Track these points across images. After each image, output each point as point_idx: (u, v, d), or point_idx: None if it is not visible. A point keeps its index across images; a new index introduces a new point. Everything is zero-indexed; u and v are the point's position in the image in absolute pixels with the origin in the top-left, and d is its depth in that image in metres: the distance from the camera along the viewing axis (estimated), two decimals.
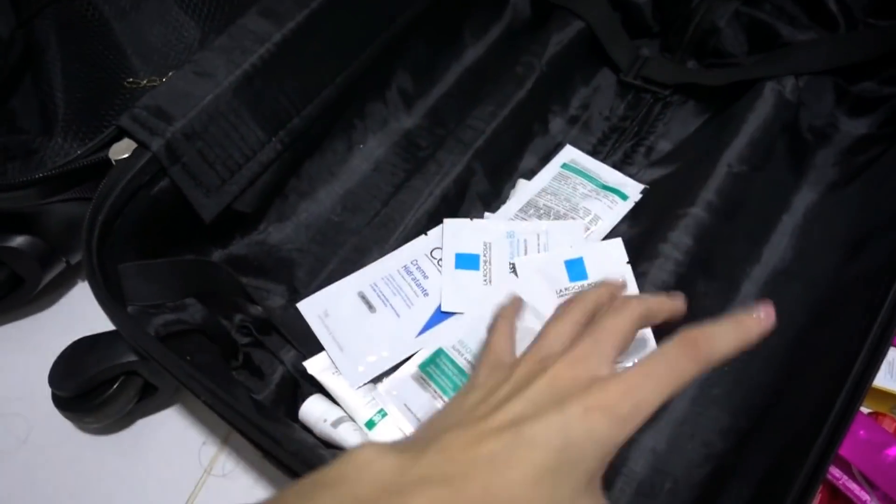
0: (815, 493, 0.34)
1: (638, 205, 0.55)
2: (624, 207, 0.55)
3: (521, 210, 0.56)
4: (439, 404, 0.45)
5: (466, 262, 0.52)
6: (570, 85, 0.63)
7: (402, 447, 0.29)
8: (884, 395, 0.47)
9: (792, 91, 0.56)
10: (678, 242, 0.51)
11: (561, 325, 0.35)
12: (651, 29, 0.65)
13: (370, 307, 0.50)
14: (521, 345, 0.46)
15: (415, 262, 0.52)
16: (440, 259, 0.52)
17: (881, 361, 0.38)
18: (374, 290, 0.50)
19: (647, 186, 0.57)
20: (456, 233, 0.53)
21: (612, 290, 0.38)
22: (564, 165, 0.59)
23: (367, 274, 0.51)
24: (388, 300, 0.50)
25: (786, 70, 0.57)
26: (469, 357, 0.46)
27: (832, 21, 0.59)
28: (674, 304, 0.36)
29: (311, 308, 0.50)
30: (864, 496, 0.43)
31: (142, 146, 0.43)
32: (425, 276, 0.51)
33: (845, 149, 0.57)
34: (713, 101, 0.61)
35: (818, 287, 0.50)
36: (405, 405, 0.46)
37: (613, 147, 0.61)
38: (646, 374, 0.30)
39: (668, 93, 0.62)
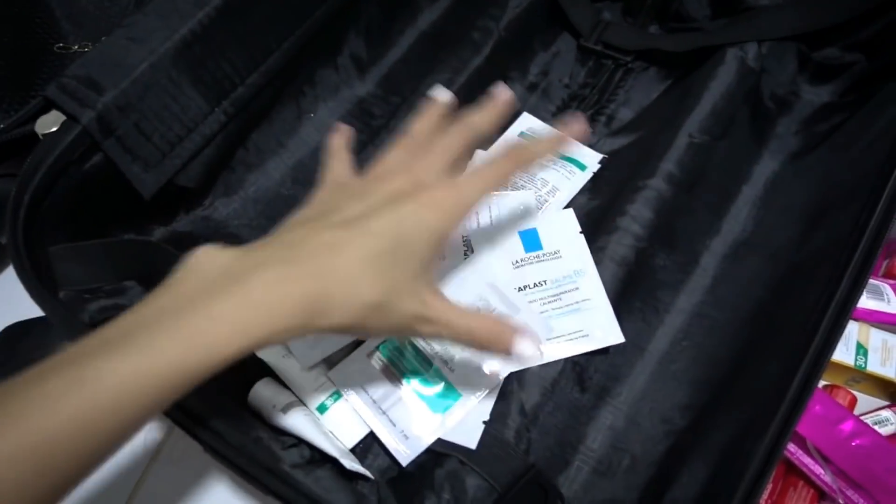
0: (772, 472, 0.34)
1: (597, 176, 0.54)
2: (582, 178, 0.54)
3: None
4: (399, 388, 0.44)
5: None
6: (529, 50, 0.61)
7: (245, 247, 0.31)
8: (839, 367, 0.47)
9: (755, 58, 0.55)
10: (637, 215, 0.49)
11: (396, 151, 0.38)
12: None
13: None
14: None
15: None
16: None
17: (839, 337, 0.37)
18: None
19: (606, 156, 0.55)
20: None
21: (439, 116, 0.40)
22: (522, 134, 0.57)
23: None
24: None
25: (749, 36, 0.55)
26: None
27: None
28: (495, 109, 0.39)
29: None
30: (819, 471, 0.43)
31: (71, 119, 0.40)
32: None
33: (807, 117, 0.56)
34: (675, 68, 0.59)
35: (778, 260, 0.49)
36: (362, 388, 0.44)
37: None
38: (470, 176, 0.35)
39: (629, 59, 0.60)
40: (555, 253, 0.48)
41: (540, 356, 0.36)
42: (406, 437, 0.43)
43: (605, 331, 0.46)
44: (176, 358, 0.27)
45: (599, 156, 0.55)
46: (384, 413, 0.43)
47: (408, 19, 0.60)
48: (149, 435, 0.48)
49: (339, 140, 0.41)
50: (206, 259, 0.30)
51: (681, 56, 0.58)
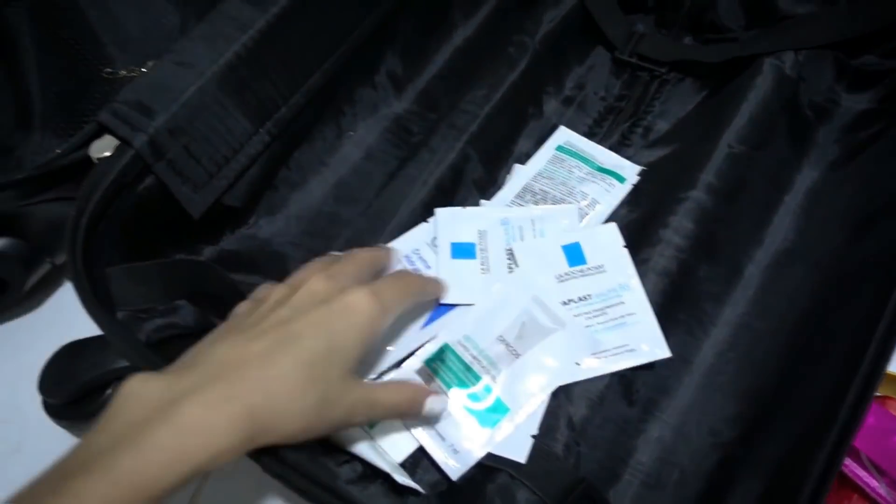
0: (829, 486, 0.34)
1: (636, 188, 0.54)
2: (622, 190, 0.54)
3: (517, 196, 0.54)
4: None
5: (462, 251, 0.51)
6: (565, 64, 0.62)
7: (170, 370, 0.32)
8: (890, 378, 0.47)
9: (792, 67, 0.55)
10: (679, 227, 0.49)
11: (307, 266, 0.41)
12: (646, 3, 0.63)
13: None
14: (526, 335, 0.46)
15: (416, 252, 0.51)
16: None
17: (895, 348, 0.37)
18: None
19: (645, 168, 0.55)
20: (449, 222, 0.52)
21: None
22: (559, 148, 0.57)
23: None
24: None
25: (785, 45, 0.55)
26: (475, 352, 0.45)
27: None
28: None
29: None
30: (873, 482, 0.43)
31: (124, 143, 0.41)
32: (427, 266, 0.50)
33: (847, 125, 0.56)
34: (711, 79, 0.59)
35: (823, 269, 0.49)
36: None
37: (610, 128, 0.59)
38: (388, 284, 0.39)
39: (664, 70, 0.60)
40: (599, 267, 0.48)
41: (445, 408, 0.43)
42: (456, 451, 0.43)
43: (650, 345, 0.46)
44: (111, 499, 0.27)
45: (638, 167, 0.55)
46: (433, 427, 0.44)
47: (443, 36, 0.60)
48: None
49: None
50: (137, 390, 0.30)
51: (716, 66, 0.58)
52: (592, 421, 0.45)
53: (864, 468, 0.43)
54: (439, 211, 0.52)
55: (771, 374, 0.46)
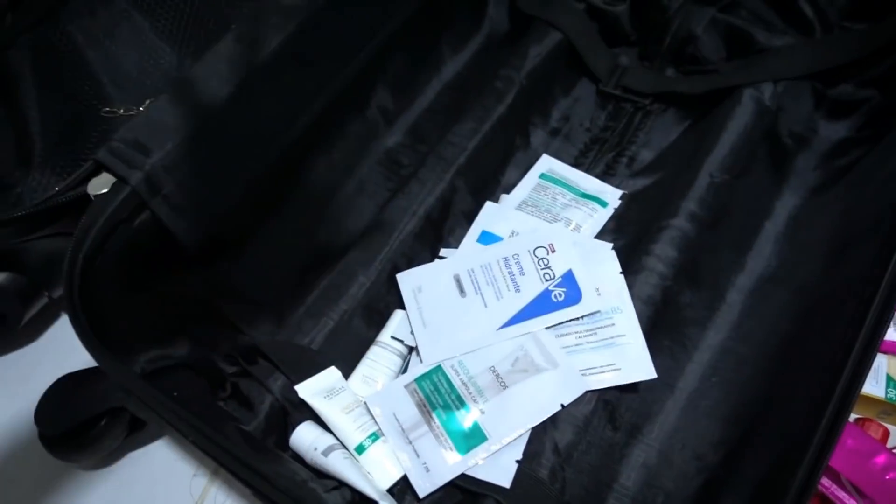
0: None
1: (620, 216, 0.56)
2: (604, 214, 0.56)
3: None
4: (429, 422, 0.45)
5: (489, 239, 0.54)
6: (551, 97, 0.63)
7: None
8: (869, 400, 0.48)
9: (771, 97, 0.57)
10: (662, 255, 0.51)
11: None
12: (629, 37, 0.65)
13: (462, 291, 0.51)
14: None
15: (516, 257, 0.52)
16: (541, 259, 0.52)
17: (867, 371, 0.38)
18: (470, 276, 0.51)
19: (626, 192, 0.57)
20: (491, 215, 0.56)
21: None
22: (542, 175, 0.59)
23: (466, 258, 0.52)
24: (480, 288, 0.51)
25: (764, 76, 0.57)
26: (465, 378, 0.46)
27: (808, 25, 0.59)
28: None
29: (408, 281, 0.52)
30: None
31: (121, 180, 0.43)
32: (522, 273, 0.51)
33: (825, 153, 0.57)
34: (693, 109, 0.61)
35: (804, 294, 0.50)
36: (393, 414, 0.46)
37: (595, 158, 0.61)
38: None
39: (647, 102, 0.62)
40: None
41: None
42: (427, 469, 0.44)
43: (636, 365, 0.47)
44: None
45: (619, 192, 0.57)
46: (410, 443, 0.45)
47: (432, 71, 0.62)
48: (194, 481, 0.49)
49: None
50: None
51: (698, 97, 0.60)
52: (578, 446, 0.46)
53: (845, 490, 0.44)
54: (489, 204, 0.57)
55: (754, 398, 0.47)
